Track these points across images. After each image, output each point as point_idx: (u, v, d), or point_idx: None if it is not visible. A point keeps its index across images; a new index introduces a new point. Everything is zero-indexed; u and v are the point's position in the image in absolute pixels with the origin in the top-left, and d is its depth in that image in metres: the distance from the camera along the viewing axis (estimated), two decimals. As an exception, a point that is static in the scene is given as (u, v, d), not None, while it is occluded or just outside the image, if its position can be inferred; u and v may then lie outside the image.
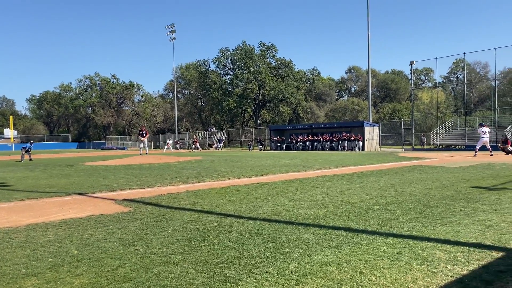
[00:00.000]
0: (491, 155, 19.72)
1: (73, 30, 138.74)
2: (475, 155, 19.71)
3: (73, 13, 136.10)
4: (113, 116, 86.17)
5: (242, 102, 68.22)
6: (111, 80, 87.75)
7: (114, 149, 61.75)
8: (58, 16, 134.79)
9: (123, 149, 60.03)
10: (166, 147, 46.05)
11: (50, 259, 3.68)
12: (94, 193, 8.33)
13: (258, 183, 9.64)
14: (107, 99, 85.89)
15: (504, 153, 21.19)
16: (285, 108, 72.02)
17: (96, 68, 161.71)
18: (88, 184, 10.08)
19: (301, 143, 39.12)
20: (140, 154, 24.92)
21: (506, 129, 30.14)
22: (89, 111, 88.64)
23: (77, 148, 77.85)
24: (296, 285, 2.96)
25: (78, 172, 14.31)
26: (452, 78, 73.22)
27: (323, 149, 37.03)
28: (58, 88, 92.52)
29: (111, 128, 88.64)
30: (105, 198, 7.55)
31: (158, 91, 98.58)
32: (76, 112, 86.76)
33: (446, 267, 3.31)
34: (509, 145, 21.42)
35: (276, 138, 42.56)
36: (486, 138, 20.62)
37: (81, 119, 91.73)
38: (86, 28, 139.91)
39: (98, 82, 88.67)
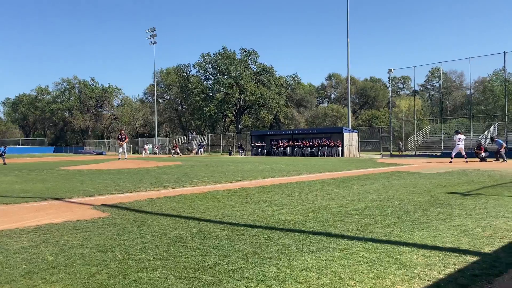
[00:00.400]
0: (466, 161, 20.21)
1: (51, 32, 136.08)
2: (451, 162, 20.17)
3: (51, 15, 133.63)
4: (92, 120, 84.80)
5: (223, 107, 68.18)
6: (90, 83, 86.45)
7: (92, 153, 60.72)
8: (35, 17, 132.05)
9: (101, 153, 59.10)
10: (144, 152, 45.43)
11: (24, 266, 3.58)
12: (71, 198, 8.16)
13: (238, 188, 9.62)
14: (86, 102, 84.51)
15: (478, 159, 21.74)
16: (266, 113, 72.26)
17: (75, 71, 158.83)
18: (65, 189, 9.87)
19: (282, 148, 39.29)
20: (119, 159, 24.65)
21: (480, 136, 30.98)
22: (67, 114, 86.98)
23: (53, 152, 76.20)
24: (276, 291, 2.96)
25: (55, 176, 14.00)
26: (429, 86, 74.98)
27: (303, 154, 37.28)
28: (34, 91, 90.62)
29: (89, 132, 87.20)
30: (82, 204, 7.41)
31: (138, 95, 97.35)
32: (53, 115, 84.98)
33: (423, 271, 3.36)
34: (482, 151, 22.02)
35: (257, 144, 42.63)
36: (461, 145, 21.19)
37: (58, 123, 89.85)
38: (64, 30, 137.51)
39: (77, 85, 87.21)
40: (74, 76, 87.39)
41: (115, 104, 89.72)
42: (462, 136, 21.82)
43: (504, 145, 22.04)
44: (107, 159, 30.86)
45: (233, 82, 66.73)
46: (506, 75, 35.65)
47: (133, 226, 5.28)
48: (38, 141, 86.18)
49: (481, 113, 50.48)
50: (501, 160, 21.19)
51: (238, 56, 70.70)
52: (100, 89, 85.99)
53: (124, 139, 25.13)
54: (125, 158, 24.70)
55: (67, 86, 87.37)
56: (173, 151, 45.32)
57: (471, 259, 3.71)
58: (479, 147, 22.66)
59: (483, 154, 21.81)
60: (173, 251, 4.04)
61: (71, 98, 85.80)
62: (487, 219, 5.55)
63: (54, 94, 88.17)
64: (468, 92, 44.87)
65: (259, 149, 41.91)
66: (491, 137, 25.08)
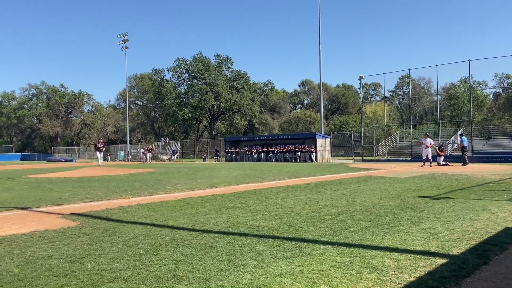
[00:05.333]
0: (430, 166, 20.55)
1: (16, 35, 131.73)
2: (423, 165, 20.64)
3: (15, 17, 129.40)
4: (61, 127, 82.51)
5: (198, 113, 67.80)
6: (59, 89, 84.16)
7: (61, 161, 59.05)
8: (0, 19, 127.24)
9: (71, 161, 57.57)
10: None
11: (-13, 280, 3.43)
12: (38, 207, 7.90)
13: (212, 195, 9.56)
14: (55, 108, 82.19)
15: (435, 163, 21.86)
16: (240, 119, 72.30)
17: (43, 77, 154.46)
18: (32, 198, 9.54)
19: (256, 154, 39.34)
20: (99, 165, 24.85)
21: (448, 141, 31.96)
22: (35, 121, 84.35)
23: (20, 160, 73.58)
24: (250, 298, 2.95)
25: (21, 185, 13.52)
26: (399, 93, 76.83)
27: (277, 160, 37.42)
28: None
29: (59, 139, 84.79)
30: (51, 213, 7.18)
31: (109, 101, 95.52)
32: (19, 122, 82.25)
33: (395, 274, 3.43)
34: (443, 153, 22.53)
35: (231, 149, 42.54)
36: (426, 149, 21.55)
37: (25, 130, 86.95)
38: (30, 33, 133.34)
39: (45, 91, 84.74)
40: (42, 81, 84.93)
41: (86, 110, 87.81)
42: (425, 140, 22.00)
43: (463, 144, 22.46)
44: (77, 166, 30.07)
45: (207, 88, 66.53)
46: (471, 82, 37.00)
47: (104, 235, 5.15)
48: (3, 149, 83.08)
49: (448, 118, 52.16)
50: (461, 163, 21.63)
51: (213, 62, 70.67)
52: (70, 95, 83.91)
53: (102, 148, 25.52)
54: (99, 165, 24.76)
55: (35, 92, 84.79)
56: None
57: (440, 261, 3.81)
58: (441, 149, 23.19)
59: (441, 159, 22.20)
60: (145, 260, 3.96)
61: (39, 104, 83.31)
62: (455, 222, 5.72)
63: (21, 100, 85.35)
64: (435, 98, 46.37)
65: (233, 155, 41.84)
66: (460, 134, 25.57)
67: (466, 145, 22.81)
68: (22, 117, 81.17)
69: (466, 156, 22.03)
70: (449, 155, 27.37)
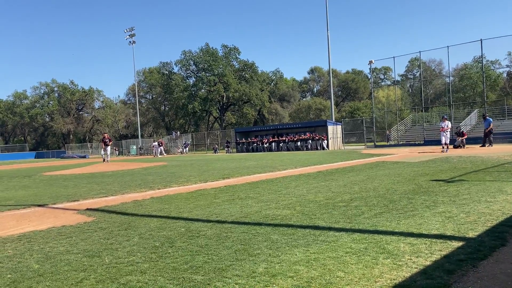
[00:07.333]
0: (446, 151, 19.83)
1: (25, 35, 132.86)
2: (446, 151, 19.42)
3: (22, 16, 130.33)
4: (73, 124, 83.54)
5: (207, 105, 67.91)
6: (70, 86, 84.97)
7: (75, 157, 59.80)
8: (6, 19, 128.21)
9: (84, 157, 58.26)
10: None
11: (9, 276, 3.51)
12: (54, 204, 8.02)
13: (225, 186, 9.60)
14: (66, 106, 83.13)
15: (451, 146, 21.04)
16: (249, 110, 72.26)
17: (53, 75, 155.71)
18: (48, 195, 9.69)
19: (267, 144, 39.32)
20: (104, 161, 24.65)
21: (461, 123, 31.53)
22: (47, 119, 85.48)
23: (35, 158, 74.80)
24: (266, 286, 2.96)
25: (37, 183, 13.74)
26: (409, 76, 75.86)
27: (288, 149, 37.38)
28: (11, 96, 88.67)
29: (71, 136, 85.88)
30: (67, 209, 7.29)
31: (119, 96, 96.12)
32: (32, 120, 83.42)
33: (411, 259, 3.41)
34: (465, 136, 22.10)
35: (241, 140, 42.58)
36: (442, 134, 20.66)
37: (39, 128, 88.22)
38: (39, 32, 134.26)
39: (56, 89, 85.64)
40: (53, 79, 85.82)
41: (96, 107, 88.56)
42: (443, 123, 21.01)
43: (492, 126, 21.75)
44: (90, 162, 30.43)
45: (216, 79, 66.50)
46: (483, 62, 36.32)
47: (120, 229, 5.22)
48: (18, 147, 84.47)
49: (461, 100, 51.35)
50: (487, 145, 21.09)
51: (220, 53, 70.51)
52: (80, 92, 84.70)
53: (108, 142, 25.31)
54: (108, 161, 24.71)
55: (46, 90, 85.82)
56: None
57: (457, 244, 3.78)
58: (462, 133, 22.64)
59: (459, 140, 21.76)
60: (162, 252, 4.00)
61: (51, 102, 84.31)
62: (471, 205, 5.66)
63: (33, 99, 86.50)
64: (447, 80, 45.72)
65: (244, 146, 41.89)
66: (483, 115, 24.69)
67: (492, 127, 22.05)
68: (35, 116, 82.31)
69: (492, 138, 21.49)
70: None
